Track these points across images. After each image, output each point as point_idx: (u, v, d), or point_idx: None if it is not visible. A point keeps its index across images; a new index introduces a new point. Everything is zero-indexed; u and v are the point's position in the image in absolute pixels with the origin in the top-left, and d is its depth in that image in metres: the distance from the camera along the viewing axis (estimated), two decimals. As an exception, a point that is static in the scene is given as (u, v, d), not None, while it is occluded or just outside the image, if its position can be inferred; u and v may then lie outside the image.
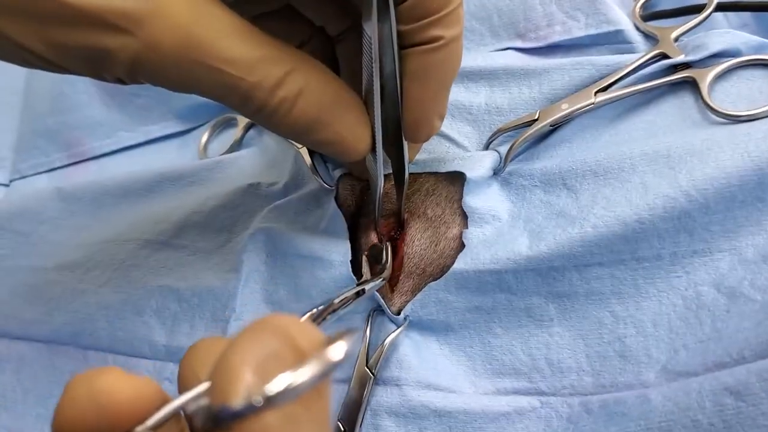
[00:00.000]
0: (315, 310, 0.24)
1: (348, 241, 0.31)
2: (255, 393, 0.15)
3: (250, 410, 0.15)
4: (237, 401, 0.15)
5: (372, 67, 0.25)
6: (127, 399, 0.16)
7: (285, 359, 0.16)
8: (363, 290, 0.26)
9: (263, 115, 0.25)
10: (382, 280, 0.28)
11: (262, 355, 0.15)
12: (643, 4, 0.35)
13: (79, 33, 0.22)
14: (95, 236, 0.39)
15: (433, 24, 0.25)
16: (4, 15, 0.22)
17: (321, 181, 0.33)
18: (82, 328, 0.36)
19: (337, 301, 0.25)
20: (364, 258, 0.30)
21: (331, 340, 0.16)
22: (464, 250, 0.29)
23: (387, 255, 0.29)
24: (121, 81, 0.24)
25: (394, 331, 0.29)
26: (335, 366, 0.15)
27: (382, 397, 0.29)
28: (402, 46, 0.25)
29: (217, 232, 0.36)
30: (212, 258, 0.35)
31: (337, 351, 0.15)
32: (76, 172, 0.47)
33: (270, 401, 0.15)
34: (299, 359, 0.16)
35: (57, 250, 0.39)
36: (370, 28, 0.24)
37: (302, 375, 0.15)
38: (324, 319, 0.24)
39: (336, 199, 0.32)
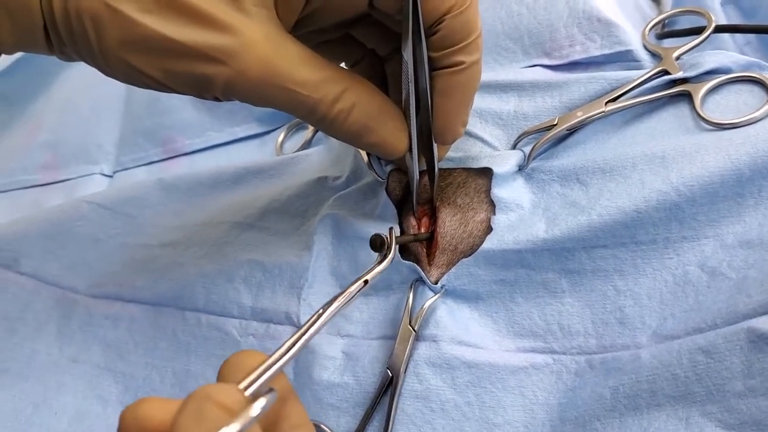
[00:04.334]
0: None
1: (398, 225, 0.34)
2: None
3: None
4: None
5: (408, 85, 0.29)
6: (162, 420, 0.20)
7: (219, 420, 0.19)
8: (367, 281, 0.27)
9: (325, 123, 0.29)
10: (381, 268, 0.29)
11: (200, 421, 0.18)
12: (656, 24, 0.37)
13: (187, 63, 0.26)
14: (192, 219, 0.42)
15: (456, 52, 0.28)
16: (132, 51, 0.26)
17: (375, 174, 0.36)
18: (182, 292, 0.39)
19: (339, 300, 0.26)
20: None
21: (254, 398, 0.20)
22: (492, 232, 0.32)
23: (390, 242, 0.30)
24: (217, 99, 0.28)
25: (432, 298, 0.32)
26: (256, 419, 0.19)
27: (422, 350, 0.32)
28: (432, 69, 0.29)
29: (293, 217, 0.39)
30: (289, 238, 0.38)
31: (257, 408, 0.19)
32: (170, 166, 0.52)
33: None
34: (229, 417, 0.19)
35: (160, 231, 0.43)
36: (407, 55, 0.28)
37: (232, 429, 0.18)
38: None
39: (386, 189, 0.35)
